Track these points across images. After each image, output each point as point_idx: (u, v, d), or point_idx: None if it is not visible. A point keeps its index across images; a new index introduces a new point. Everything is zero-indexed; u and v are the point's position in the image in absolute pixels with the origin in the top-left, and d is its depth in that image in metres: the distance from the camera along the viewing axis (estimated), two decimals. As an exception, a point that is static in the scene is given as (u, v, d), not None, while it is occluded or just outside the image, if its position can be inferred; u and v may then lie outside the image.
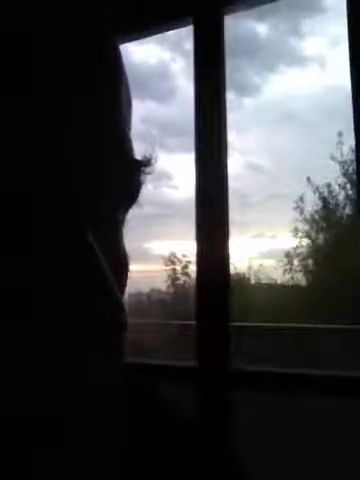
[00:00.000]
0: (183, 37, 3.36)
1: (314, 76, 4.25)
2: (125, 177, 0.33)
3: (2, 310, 0.26)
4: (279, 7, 2.15)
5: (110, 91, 0.32)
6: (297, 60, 4.38)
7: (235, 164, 4.43)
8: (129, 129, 0.36)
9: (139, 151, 0.35)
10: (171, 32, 2.06)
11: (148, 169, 0.35)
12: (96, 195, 0.30)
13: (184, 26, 1.89)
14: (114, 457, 0.31)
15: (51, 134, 0.28)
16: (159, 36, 2.04)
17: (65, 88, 0.29)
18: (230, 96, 1.79)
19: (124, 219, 0.35)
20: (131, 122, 0.36)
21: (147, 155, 0.35)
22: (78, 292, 0.26)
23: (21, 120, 0.27)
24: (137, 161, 0.34)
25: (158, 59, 4.57)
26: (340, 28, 1.68)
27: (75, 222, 0.28)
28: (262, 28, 4.51)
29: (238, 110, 3.95)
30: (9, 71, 0.28)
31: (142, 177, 0.35)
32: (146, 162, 0.35)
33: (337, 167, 3.91)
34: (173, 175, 4.51)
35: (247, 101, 4.64)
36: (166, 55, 4.64)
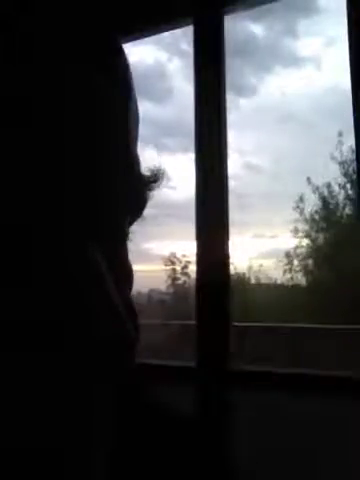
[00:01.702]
0: (179, 37, 3.36)
1: (312, 76, 4.25)
2: (132, 193, 0.32)
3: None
4: (275, 8, 2.15)
5: (119, 108, 0.32)
6: (294, 61, 4.38)
7: (234, 164, 4.43)
8: (136, 145, 0.35)
9: (143, 156, 0.34)
10: (167, 33, 2.06)
11: (156, 185, 0.34)
12: (102, 210, 0.30)
13: (184, 26, 1.89)
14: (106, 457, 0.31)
15: (55, 150, 0.27)
16: (155, 36, 2.04)
17: (72, 105, 0.28)
18: (227, 96, 1.78)
19: (128, 232, 0.35)
20: (138, 138, 0.35)
21: (155, 171, 0.34)
22: (79, 312, 0.26)
23: (21, 141, 0.27)
24: (144, 177, 0.34)
25: (155, 59, 4.56)
26: (337, 28, 1.68)
27: (76, 239, 0.27)
28: (258, 29, 4.50)
29: (236, 110, 3.94)
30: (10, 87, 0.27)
31: (149, 193, 0.34)
32: (154, 178, 0.34)
33: (337, 167, 3.91)
34: (172, 175, 4.50)
35: (244, 101, 4.63)
36: (163, 55, 4.64)
